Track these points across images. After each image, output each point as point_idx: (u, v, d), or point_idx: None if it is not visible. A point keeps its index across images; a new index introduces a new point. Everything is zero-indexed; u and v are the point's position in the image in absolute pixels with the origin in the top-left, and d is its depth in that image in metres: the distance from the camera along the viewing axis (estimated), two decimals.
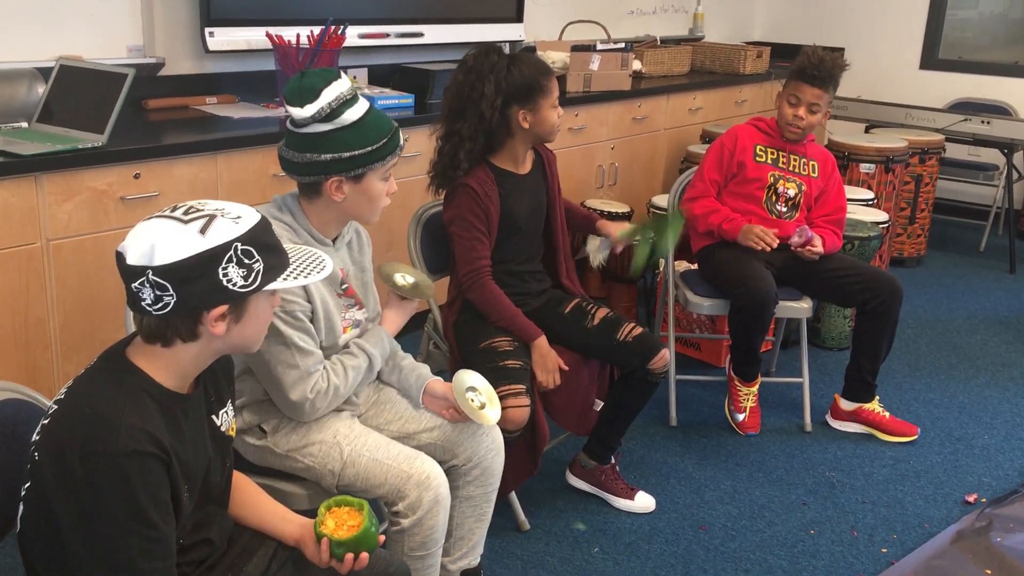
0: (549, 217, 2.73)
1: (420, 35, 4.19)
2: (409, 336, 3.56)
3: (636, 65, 5.02)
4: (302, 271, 1.46)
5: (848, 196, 4.36)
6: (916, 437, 3.26)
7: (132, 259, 1.34)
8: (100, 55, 3.22)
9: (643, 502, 2.79)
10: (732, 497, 2.89)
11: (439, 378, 2.15)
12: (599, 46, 4.55)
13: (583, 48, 4.49)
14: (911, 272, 5.16)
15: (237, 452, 1.97)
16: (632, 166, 4.89)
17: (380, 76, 4.21)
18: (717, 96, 5.44)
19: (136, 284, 1.34)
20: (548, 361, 2.53)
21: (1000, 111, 5.86)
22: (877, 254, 4.49)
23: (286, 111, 1.88)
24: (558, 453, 3.02)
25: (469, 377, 2.07)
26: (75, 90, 2.86)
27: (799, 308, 3.20)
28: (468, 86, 2.47)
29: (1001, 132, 5.14)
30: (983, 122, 5.21)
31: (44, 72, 2.94)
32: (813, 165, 3.27)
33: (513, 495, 2.67)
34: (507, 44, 4.80)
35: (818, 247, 3.13)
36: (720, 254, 3.20)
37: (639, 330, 2.61)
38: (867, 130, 5.44)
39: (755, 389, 3.27)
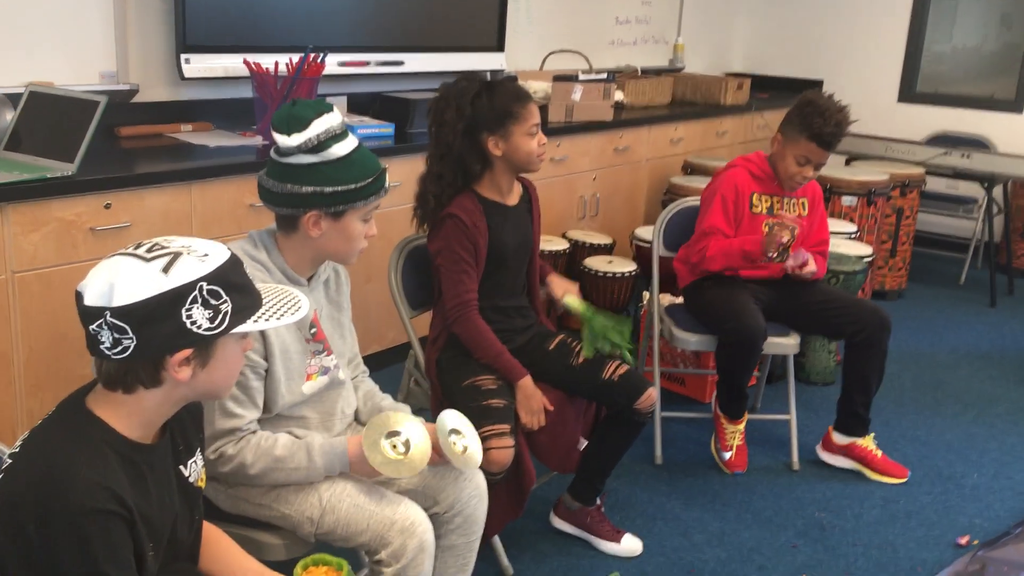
0: (532, 253, 2.66)
1: (400, 63, 4.13)
2: (388, 371, 3.48)
3: (618, 95, 4.99)
4: (275, 312, 1.37)
5: (832, 229, 4.34)
6: (906, 479, 3.20)
7: (90, 299, 1.25)
8: (72, 81, 3.13)
9: (630, 545, 2.70)
10: (721, 540, 2.81)
11: (420, 419, 2.05)
12: (581, 76, 4.52)
13: (565, 78, 4.45)
14: (893, 305, 5.13)
15: (209, 500, 1.87)
16: (614, 197, 4.85)
17: (360, 105, 4.14)
18: (698, 127, 5.41)
19: (94, 326, 1.25)
20: (533, 402, 2.44)
21: (979, 144, 5.89)
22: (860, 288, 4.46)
23: (272, 138, 1.81)
24: (542, 493, 2.93)
25: (451, 419, 1.98)
26: (45, 117, 2.76)
27: (786, 344, 3.14)
28: (435, 112, 2.42)
29: (981, 166, 5.15)
30: (963, 156, 5.22)
31: (13, 98, 2.85)
32: (803, 203, 3.22)
33: (497, 539, 2.58)
34: (488, 73, 4.76)
35: (813, 267, 3.08)
36: (708, 289, 3.14)
37: (624, 368, 2.54)
38: (847, 162, 5.44)
39: (742, 427, 3.20)
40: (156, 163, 3.07)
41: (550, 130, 4.32)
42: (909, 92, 6.37)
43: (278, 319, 1.36)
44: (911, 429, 3.62)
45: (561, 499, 2.77)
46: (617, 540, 2.70)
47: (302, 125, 1.75)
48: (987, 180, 5.16)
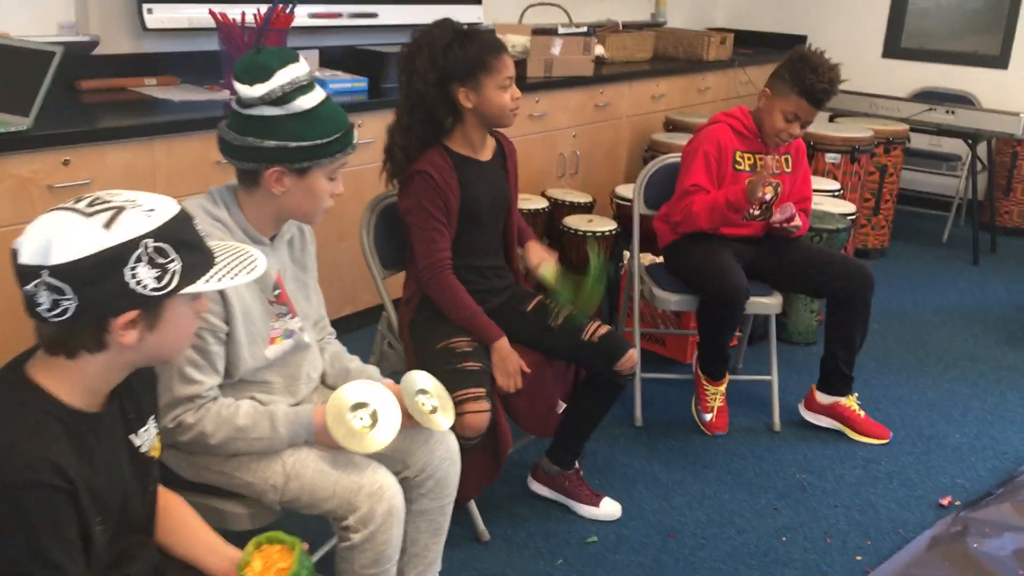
0: (508, 212, 2.57)
1: (374, 15, 4.01)
2: (361, 333, 3.40)
3: (599, 50, 4.87)
4: (228, 272, 1.28)
5: (815, 187, 4.27)
6: (888, 441, 3.16)
7: (25, 257, 1.16)
8: (29, 32, 2.99)
9: (609, 509, 2.66)
10: (701, 502, 2.76)
11: (389, 380, 1.97)
12: (561, 30, 4.40)
13: (544, 32, 4.34)
14: (875, 264, 5.08)
15: (170, 468, 1.80)
16: (594, 154, 4.75)
17: (333, 59, 4.01)
18: (680, 83, 5.31)
19: (30, 286, 1.16)
20: (509, 364, 2.38)
21: (963, 101, 5.81)
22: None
23: (233, 88, 1.71)
24: (520, 456, 2.87)
25: (419, 379, 1.90)
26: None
27: (769, 304, 3.08)
28: (406, 59, 2.33)
29: (965, 122, 5.08)
30: (947, 112, 5.15)
31: None
32: (787, 159, 3.14)
33: (472, 503, 2.52)
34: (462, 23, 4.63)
35: (797, 221, 3.01)
36: (689, 248, 3.07)
37: (604, 329, 2.47)
38: (831, 119, 5.35)
39: (723, 388, 3.15)
40: (118, 118, 2.95)
41: (528, 85, 4.22)
42: (894, 48, 6.28)
43: (232, 279, 1.28)
44: (893, 388, 3.58)
45: (539, 463, 2.71)
46: (596, 504, 2.65)
47: (265, 75, 1.66)
48: (971, 137, 5.10)
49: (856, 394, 3.22)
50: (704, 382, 3.14)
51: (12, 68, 2.61)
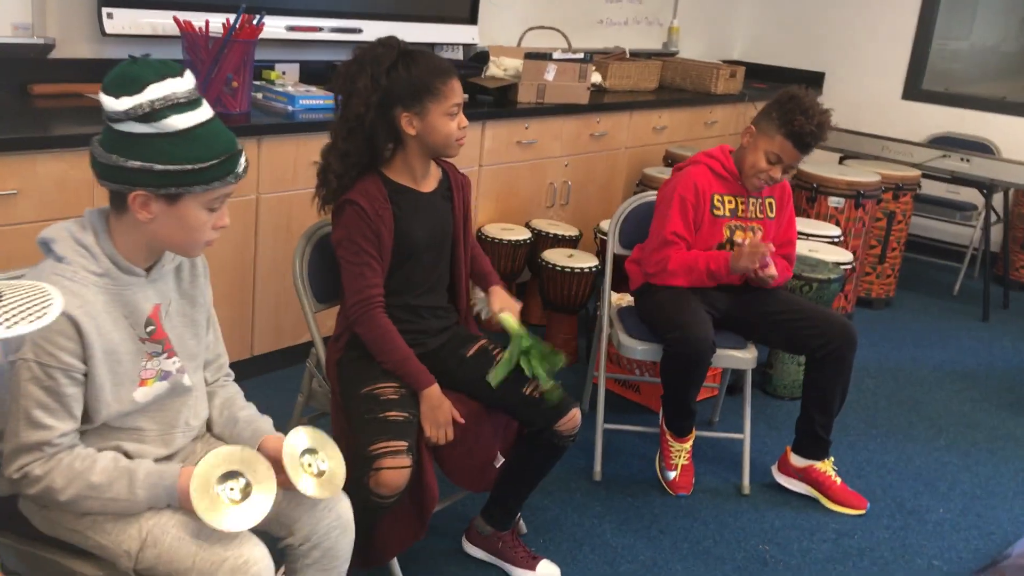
0: (453, 248, 2.39)
1: (358, 31, 3.85)
2: (289, 371, 3.23)
3: (596, 78, 4.70)
4: (5, 319, 1.11)
5: (813, 232, 4.07)
6: (864, 512, 2.94)
7: None
8: None
9: (546, 573, 2.46)
10: (650, 570, 2.56)
11: (280, 435, 1.78)
12: (556, 55, 4.23)
13: (538, 56, 4.17)
14: (878, 314, 4.86)
15: (24, 515, 1.63)
16: (587, 186, 4.57)
17: (314, 74, 3.88)
18: (685, 116, 5.12)
19: None
20: (439, 414, 2.19)
21: (982, 148, 5.58)
22: (842, 294, 4.19)
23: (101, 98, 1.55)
24: (461, 509, 2.68)
25: (303, 438, 1.71)
26: None
27: (742, 358, 2.88)
28: (345, 79, 2.17)
29: (981, 171, 4.85)
30: (963, 159, 4.92)
31: None
32: (770, 203, 2.95)
33: (395, 562, 2.33)
34: (459, 48, 4.48)
35: (772, 271, 2.81)
36: (657, 293, 2.88)
37: (549, 384, 2.28)
38: (841, 161, 5.14)
39: (688, 445, 2.94)
40: (67, 125, 2.82)
41: (519, 111, 4.06)
42: (914, 89, 6.05)
43: (7, 328, 1.10)
44: (878, 453, 3.35)
45: (473, 522, 2.52)
46: (532, 567, 2.45)
47: (136, 87, 1.49)
48: (986, 187, 4.86)
49: (832, 458, 3.00)
50: (668, 438, 2.94)
51: None
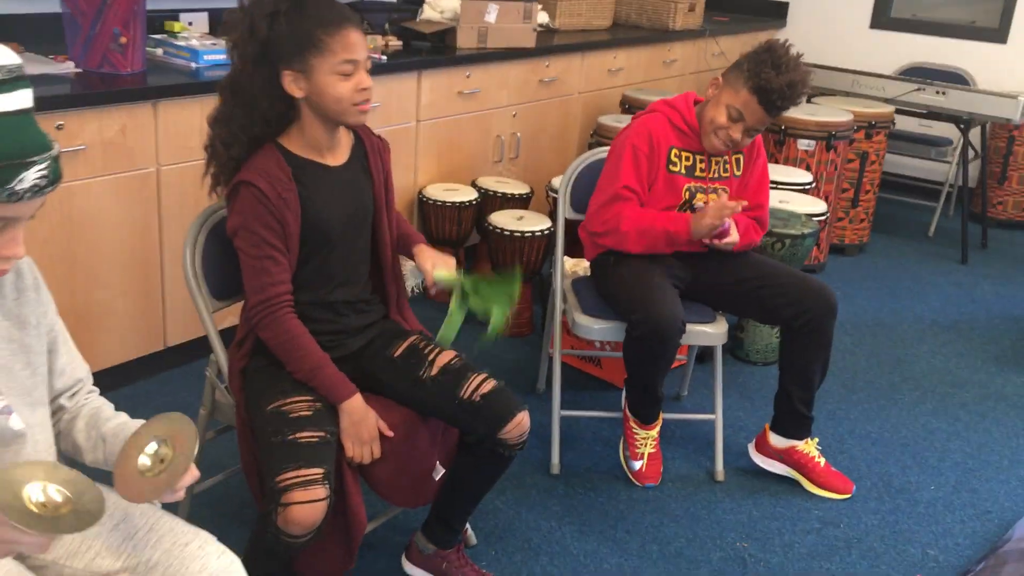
0: (375, 227, 2.04)
1: None
2: (187, 378, 2.87)
3: (543, 17, 4.31)
4: None
5: (783, 180, 3.75)
6: (850, 496, 2.67)
7: None
8: None
9: None
10: None
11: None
12: None
13: None
14: (853, 262, 4.58)
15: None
16: (540, 136, 4.21)
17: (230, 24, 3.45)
18: (642, 55, 4.75)
19: None
20: (362, 429, 1.86)
21: (956, 79, 5.27)
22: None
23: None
24: (403, 521, 2.37)
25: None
26: None
27: (712, 333, 2.57)
28: (228, 28, 1.81)
29: (957, 104, 4.54)
30: (938, 92, 4.60)
31: None
32: (737, 159, 2.62)
33: None
34: None
35: (733, 237, 2.49)
36: (615, 266, 2.55)
37: (490, 385, 1.95)
38: (809, 99, 4.81)
39: (655, 432, 2.64)
40: None
41: (459, 58, 3.67)
42: (883, 17, 5.71)
43: None
44: (861, 422, 3.08)
45: (412, 540, 2.21)
46: None
47: None
48: (963, 121, 4.56)
49: (816, 439, 2.72)
50: (633, 425, 2.64)
51: None
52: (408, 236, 2.14)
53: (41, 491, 1.17)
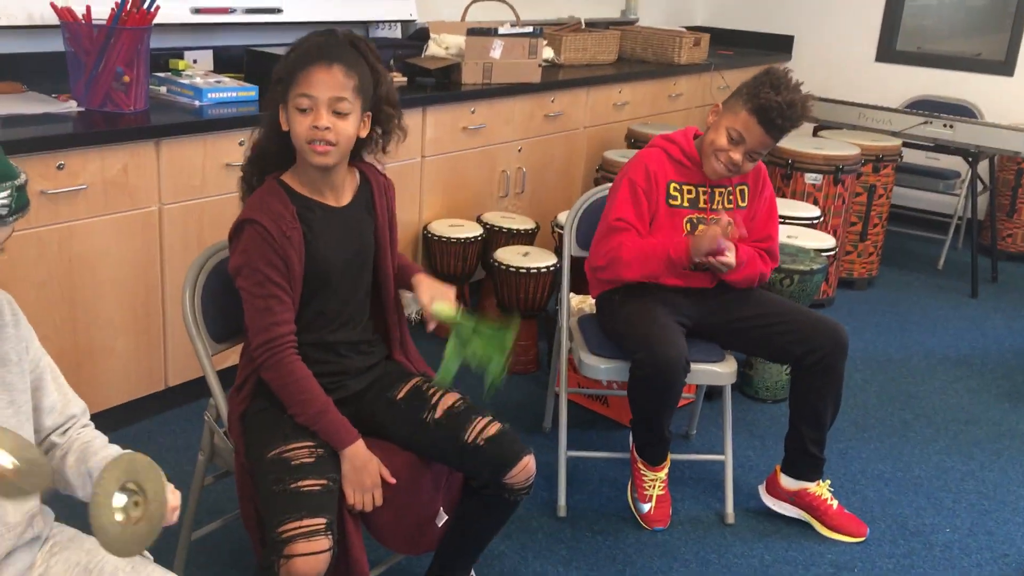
0: (378, 267, 2.01)
1: (277, 11, 3.44)
2: (189, 419, 2.84)
3: (548, 53, 4.31)
4: None
5: (790, 214, 3.72)
6: (864, 539, 2.61)
7: None
8: None
9: None
10: None
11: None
12: (503, 30, 3.83)
13: (482, 32, 3.77)
14: (862, 295, 4.53)
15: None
16: (545, 171, 4.19)
17: (231, 61, 3.46)
18: (647, 89, 4.74)
19: None
20: (364, 476, 1.82)
21: (963, 111, 5.25)
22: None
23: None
24: (407, 568, 2.32)
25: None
26: None
27: (720, 373, 2.53)
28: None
29: (965, 137, 4.51)
30: (945, 125, 4.58)
31: None
32: (742, 191, 2.59)
33: None
34: (396, 25, 4.07)
35: (730, 259, 2.43)
36: (619, 304, 2.52)
37: (495, 428, 1.91)
38: (815, 132, 4.79)
39: (663, 474, 2.59)
40: None
41: (464, 94, 3.67)
42: (888, 51, 5.71)
43: None
44: (873, 462, 3.03)
45: None
46: None
47: None
48: (972, 155, 4.53)
49: (828, 480, 2.67)
50: (641, 467, 2.59)
51: None
52: (407, 267, 2.10)
53: None
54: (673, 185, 2.50)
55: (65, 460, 1.46)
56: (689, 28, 5.59)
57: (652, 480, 2.58)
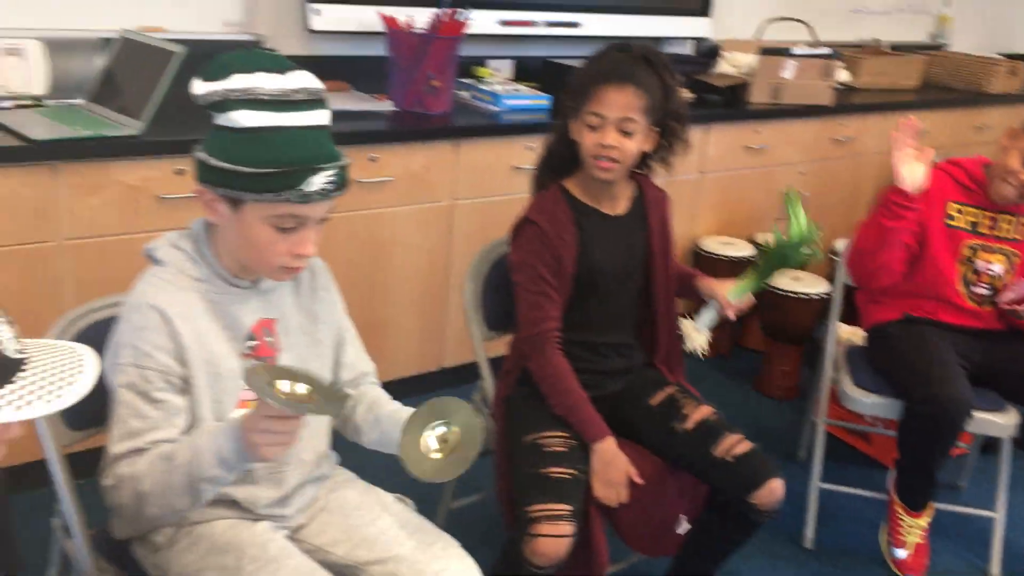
0: (648, 276, 2.08)
1: (575, 25, 3.60)
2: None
3: (843, 75, 4.18)
4: (27, 393, 0.92)
5: None
6: None
7: None
8: (192, 28, 2.86)
9: None
10: None
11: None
12: (797, 51, 3.78)
13: (775, 52, 3.74)
14: None
15: (134, 561, 1.51)
16: (828, 196, 4.07)
17: (531, 71, 3.66)
18: (950, 118, 4.47)
19: None
20: (612, 472, 1.90)
21: None
22: None
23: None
24: (645, 569, 2.37)
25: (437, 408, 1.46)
26: (132, 67, 2.51)
27: (999, 424, 2.37)
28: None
29: None
30: None
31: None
32: None
33: None
34: (688, 42, 4.12)
35: None
36: (895, 337, 2.42)
37: (746, 447, 1.92)
38: None
39: (924, 521, 2.46)
40: None
41: (750, 112, 3.66)
42: None
43: (18, 409, 0.91)
44: None
45: None
46: None
47: (222, 74, 1.31)
48: None
49: None
50: (900, 510, 2.47)
51: (141, 67, 2.46)
52: (688, 275, 2.15)
53: (289, 387, 1.31)
54: (954, 206, 2.39)
55: (356, 409, 1.66)
56: (1006, 55, 5.19)
57: (911, 526, 2.46)
